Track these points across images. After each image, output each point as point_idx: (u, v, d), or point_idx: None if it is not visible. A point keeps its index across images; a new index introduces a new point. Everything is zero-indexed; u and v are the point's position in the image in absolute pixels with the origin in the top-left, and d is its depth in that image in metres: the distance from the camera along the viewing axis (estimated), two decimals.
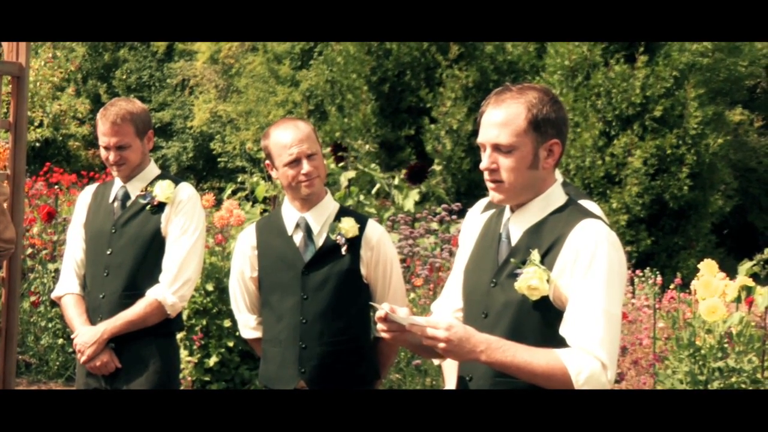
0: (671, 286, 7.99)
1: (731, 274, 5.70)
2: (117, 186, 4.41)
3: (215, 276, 6.77)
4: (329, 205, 3.94)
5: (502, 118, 2.93)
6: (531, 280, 2.87)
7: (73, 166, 21.42)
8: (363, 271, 3.89)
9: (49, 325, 8.01)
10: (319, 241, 3.88)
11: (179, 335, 6.42)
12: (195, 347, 6.72)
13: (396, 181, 9.04)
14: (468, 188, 15.67)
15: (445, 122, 16.03)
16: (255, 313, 4.04)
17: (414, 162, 10.47)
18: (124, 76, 29.79)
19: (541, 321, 2.89)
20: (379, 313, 2.86)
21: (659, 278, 10.59)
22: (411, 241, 7.62)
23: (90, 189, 4.59)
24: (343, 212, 3.95)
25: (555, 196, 3.00)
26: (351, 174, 8.55)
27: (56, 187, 11.25)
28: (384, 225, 7.77)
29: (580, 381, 2.75)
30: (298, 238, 3.89)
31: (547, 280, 2.87)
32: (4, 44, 5.61)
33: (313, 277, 3.85)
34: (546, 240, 2.92)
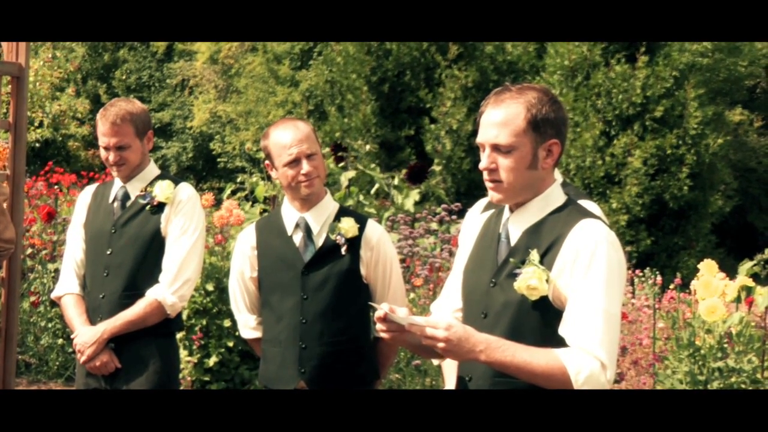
0: (671, 286, 7.99)
1: (731, 274, 5.69)
2: (117, 186, 4.41)
3: (215, 276, 6.77)
4: (329, 205, 3.94)
5: (502, 118, 2.92)
6: (530, 280, 2.86)
7: (73, 166, 21.42)
8: (363, 271, 3.89)
9: (49, 325, 8.01)
10: (319, 241, 3.87)
11: (179, 335, 6.42)
12: (195, 347, 6.72)
13: (396, 181, 9.04)
14: (468, 188, 15.66)
15: (444, 122, 16.03)
16: (255, 313, 4.04)
17: (414, 162, 10.46)
18: (124, 77, 29.79)
19: (541, 321, 2.89)
20: (379, 313, 2.86)
21: (659, 278, 10.58)
22: (411, 241, 7.61)
23: (90, 189, 4.59)
24: (342, 212, 3.95)
25: (554, 196, 3.00)
26: (351, 174, 8.55)
27: (56, 187, 11.24)
28: (384, 225, 7.77)
29: (580, 381, 2.75)
30: (297, 238, 3.89)
31: (547, 280, 2.87)
32: (4, 44, 5.61)
33: (313, 277, 3.85)
34: (545, 240, 2.92)
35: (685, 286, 7.75)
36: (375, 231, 3.94)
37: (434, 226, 8.41)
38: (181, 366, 6.42)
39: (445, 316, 3.17)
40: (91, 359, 4.25)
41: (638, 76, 15.08)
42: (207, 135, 27.91)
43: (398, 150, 16.47)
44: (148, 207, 4.33)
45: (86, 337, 4.25)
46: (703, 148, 15.42)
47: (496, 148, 2.93)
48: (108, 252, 4.31)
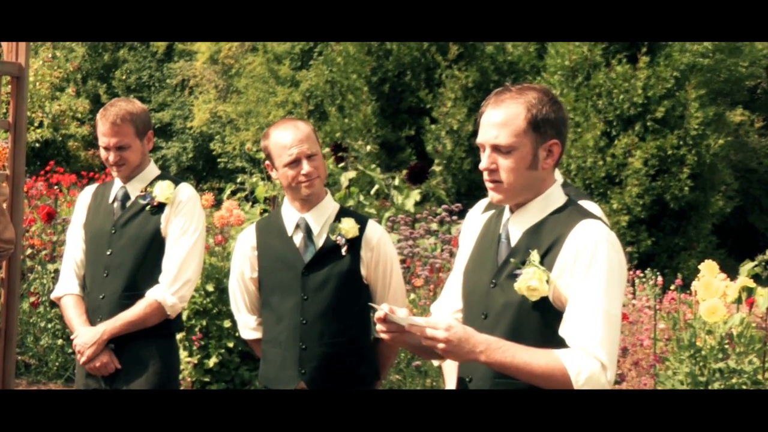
0: (672, 287, 7.98)
1: (732, 275, 5.68)
2: (117, 186, 4.41)
3: (215, 276, 6.76)
4: (329, 205, 3.93)
5: (502, 119, 2.92)
6: (530, 281, 2.86)
7: (73, 166, 21.41)
8: (363, 271, 3.89)
9: (49, 326, 8.00)
10: (319, 242, 3.87)
11: (179, 336, 6.41)
12: (195, 348, 6.71)
13: (396, 182, 9.03)
14: (468, 189, 15.66)
15: (445, 123, 16.03)
16: (255, 314, 4.04)
17: (414, 162, 10.46)
18: (124, 77, 29.78)
19: (541, 322, 2.89)
20: (379, 314, 2.86)
21: (660, 279, 10.57)
22: (411, 241, 7.61)
23: (90, 189, 4.58)
24: (343, 213, 3.94)
25: (554, 197, 3.00)
26: (351, 174, 8.55)
27: (56, 187, 11.23)
28: (384, 225, 7.77)
29: (580, 381, 2.75)
30: (298, 238, 3.88)
31: (547, 281, 2.86)
32: (4, 44, 5.60)
33: (313, 278, 3.84)
34: (545, 240, 2.91)
35: (686, 287, 7.74)
36: (375, 231, 3.93)
37: (435, 226, 8.40)
38: (181, 367, 6.42)
39: (445, 316, 3.17)
40: (91, 360, 4.24)
41: (639, 76, 15.07)
42: (207, 135, 27.91)
43: (399, 150, 16.46)
44: (148, 207, 4.32)
45: (86, 338, 4.24)
46: (703, 148, 15.41)
47: (496, 148, 2.93)
48: (108, 252, 4.30)
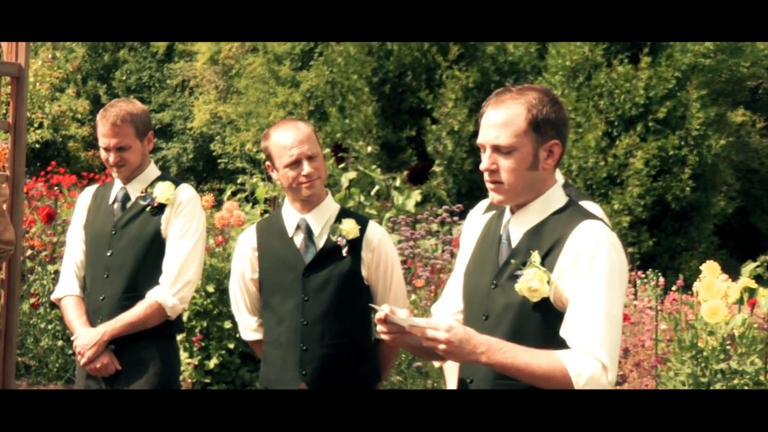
0: (673, 288, 7.97)
1: (733, 275, 5.67)
2: (117, 187, 4.40)
3: (216, 277, 6.76)
4: (330, 206, 3.93)
5: (502, 119, 2.92)
6: (531, 282, 2.86)
7: (73, 167, 21.40)
8: (364, 272, 3.88)
9: (49, 327, 7.99)
10: (320, 243, 3.86)
11: (179, 337, 6.40)
12: (195, 349, 6.70)
13: (397, 183, 9.03)
14: (469, 189, 15.63)
15: (446, 123, 16.01)
16: (255, 315, 4.03)
17: (415, 163, 10.45)
18: (124, 77, 29.77)
19: (542, 323, 2.88)
20: (379, 315, 2.85)
21: (661, 280, 10.56)
22: (412, 242, 7.60)
23: (90, 190, 4.58)
24: (343, 213, 3.94)
25: (555, 197, 2.99)
26: (351, 175, 8.54)
27: (56, 188, 11.22)
28: (384, 226, 7.76)
29: (581, 382, 2.75)
30: (298, 239, 3.88)
31: (548, 282, 2.86)
32: (4, 45, 5.59)
33: (314, 279, 3.83)
34: (546, 241, 2.91)
35: (687, 288, 7.73)
36: (376, 232, 3.93)
37: (435, 227, 8.39)
38: (182, 368, 6.40)
39: (446, 317, 3.16)
40: (92, 361, 4.24)
41: (641, 76, 15.05)
42: (207, 136, 27.91)
43: (399, 151, 16.44)
44: (148, 208, 4.32)
45: (86, 339, 4.24)
46: (705, 149, 15.39)
47: (496, 149, 2.92)
48: (108, 253, 4.30)
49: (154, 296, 4.23)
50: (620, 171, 15.07)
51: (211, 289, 6.70)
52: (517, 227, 2.99)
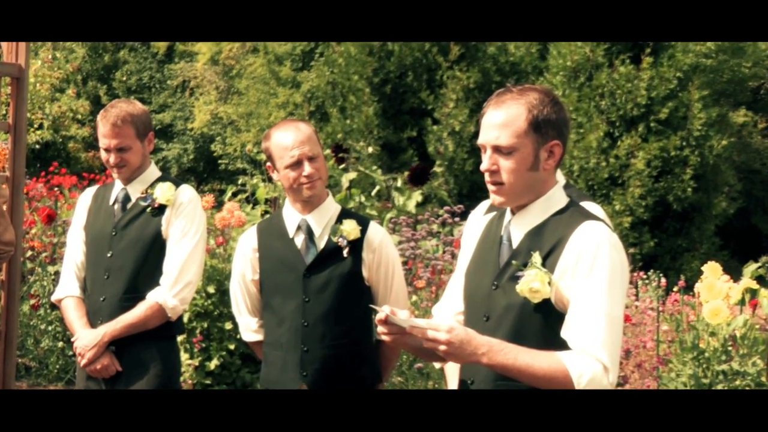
0: (675, 289, 7.95)
1: (735, 276, 5.66)
2: (117, 188, 4.39)
3: (216, 278, 6.75)
4: (331, 207, 3.92)
5: (503, 120, 2.91)
6: (532, 283, 2.85)
7: (73, 168, 21.40)
8: (365, 273, 3.87)
9: (49, 328, 7.98)
10: (321, 244, 3.85)
11: (180, 338, 6.39)
12: (196, 350, 6.69)
13: (398, 183, 9.02)
14: (470, 190, 15.62)
15: (447, 124, 16.00)
16: (256, 316, 4.02)
17: (416, 164, 10.45)
18: (125, 78, 29.78)
19: (543, 324, 2.88)
20: (380, 316, 2.85)
21: (663, 281, 10.55)
22: (413, 243, 7.59)
23: (90, 191, 4.57)
24: (344, 214, 3.93)
25: (556, 198, 2.98)
26: (352, 175, 8.53)
27: (56, 189, 11.22)
28: (385, 227, 7.75)
29: (582, 384, 2.74)
30: (299, 240, 3.87)
31: (549, 283, 2.85)
32: (4, 46, 5.58)
33: (315, 280, 3.82)
34: (547, 242, 2.90)
35: (689, 289, 7.72)
36: (377, 233, 3.92)
37: (436, 228, 8.38)
38: (182, 369, 6.40)
39: (446, 318, 3.15)
40: (92, 362, 4.23)
41: (642, 77, 15.04)
42: (208, 136, 27.91)
43: (400, 152, 16.43)
44: (148, 209, 4.31)
45: (87, 341, 4.23)
46: (707, 149, 15.38)
47: (497, 149, 2.92)
48: (108, 254, 4.29)
49: (154, 297, 4.23)
50: (622, 171, 15.06)
51: (211, 290, 6.70)
52: (517, 228, 2.98)
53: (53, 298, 4.51)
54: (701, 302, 5.19)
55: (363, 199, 8.50)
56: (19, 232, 5.48)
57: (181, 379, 5.44)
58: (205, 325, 6.71)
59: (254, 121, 25.22)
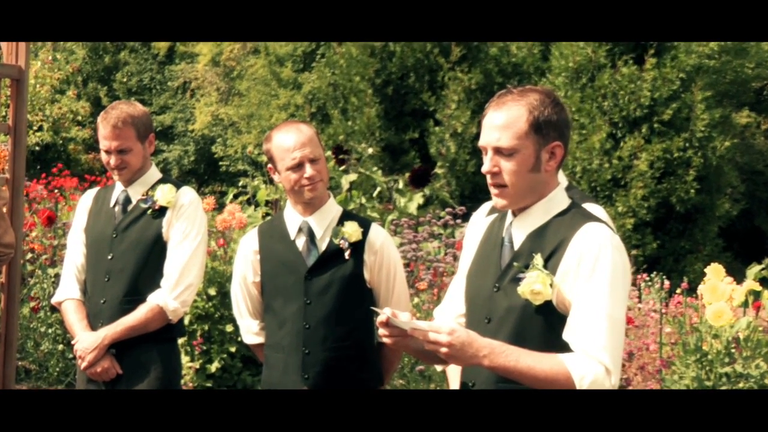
0: (678, 291, 7.93)
1: (738, 278, 5.64)
2: (118, 190, 4.39)
3: (217, 280, 6.74)
4: (332, 209, 3.91)
5: (503, 121, 2.91)
6: (534, 285, 2.85)
7: (74, 169, 21.40)
8: (366, 275, 3.86)
9: (49, 331, 7.96)
10: (322, 246, 3.84)
11: (180, 340, 6.38)
12: (196, 353, 6.68)
13: (400, 185, 9.01)
14: (472, 191, 15.60)
15: (449, 125, 15.98)
16: (257, 319, 4.01)
17: (418, 165, 10.44)
18: (125, 79, 29.79)
19: (545, 326, 2.87)
20: (381, 318, 2.84)
21: (666, 282, 10.52)
22: (414, 245, 7.58)
23: (91, 193, 4.57)
24: (346, 216, 3.92)
25: (558, 200, 2.98)
26: (352, 177, 8.52)
27: (57, 191, 11.21)
28: (387, 229, 7.73)
29: (584, 386, 2.74)
30: (300, 242, 3.86)
31: (550, 285, 2.85)
32: (3, 47, 5.56)
33: (316, 282, 3.81)
34: (549, 244, 2.90)
35: (692, 291, 7.69)
36: (378, 235, 3.91)
37: (438, 230, 8.36)
38: (183, 372, 6.38)
39: (448, 320, 3.14)
40: (92, 365, 4.23)
41: (645, 78, 15.02)
42: (209, 138, 27.92)
43: (402, 153, 16.43)
44: (149, 211, 4.31)
45: (87, 343, 4.22)
46: (710, 151, 15.36)
47: (498, 151, 2.91)
48: (109, 257, 4.29)
49: (155, 300, 4.22)
50: (624, 173, 15.03)
51: (212, 292, 6.69)
52: (519, 230, 2.97)
53: (53, 300, 4.50)
54: (704, 304, 5.17)
55: (364, 200, 8.49)
56: (19, 234, 5.47)
57: (182, 381, 5.43)
58: (206, 327, 6.70)
59: (255, 123, 25.22)
